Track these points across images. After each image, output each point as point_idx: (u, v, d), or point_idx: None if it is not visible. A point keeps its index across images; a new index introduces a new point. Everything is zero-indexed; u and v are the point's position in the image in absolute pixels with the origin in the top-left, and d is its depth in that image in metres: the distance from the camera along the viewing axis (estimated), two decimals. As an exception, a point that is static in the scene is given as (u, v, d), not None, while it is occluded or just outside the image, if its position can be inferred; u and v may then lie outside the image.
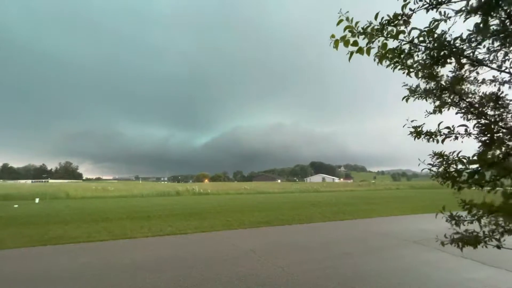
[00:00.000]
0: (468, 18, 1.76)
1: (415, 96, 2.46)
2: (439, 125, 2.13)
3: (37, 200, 18.53)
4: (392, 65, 2.16)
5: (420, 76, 2.20)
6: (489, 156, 1.72)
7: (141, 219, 10.09)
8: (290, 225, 9.29)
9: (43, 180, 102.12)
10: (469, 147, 1.96)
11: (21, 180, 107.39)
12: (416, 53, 2.07)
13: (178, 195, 25.55)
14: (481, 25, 1.73)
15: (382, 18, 1.93)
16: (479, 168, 1.75)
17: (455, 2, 1.77)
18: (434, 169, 2.05)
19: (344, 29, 1.95)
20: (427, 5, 1.83)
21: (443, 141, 2.10)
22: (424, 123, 2.24)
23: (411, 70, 2.16)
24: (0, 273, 4.71)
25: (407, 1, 1.83)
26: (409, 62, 2.15)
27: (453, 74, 2.26)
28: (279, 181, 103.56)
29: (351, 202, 17.34)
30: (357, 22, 1.95)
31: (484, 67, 2.14)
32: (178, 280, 4.32)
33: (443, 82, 2.25)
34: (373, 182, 65.46)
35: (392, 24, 1.93)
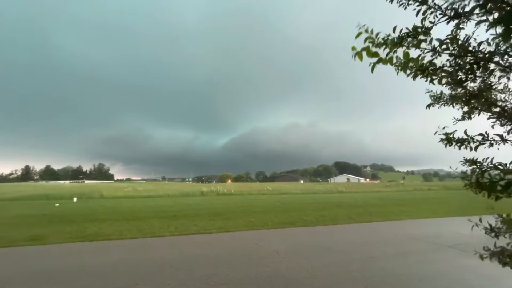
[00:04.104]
0: (489, 29, 1.68)
1: (440, 103, 2.37)
2: (465, 132, 2.05)
3: (75, 199, 20.01)
4: (413, 73, 2.09)
5: (444, 82, 2.11)
6: None
7: (168, 218, 10.49)
8: (314, 227, 9.15)
9: (80, 181, 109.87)
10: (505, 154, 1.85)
11: (61, 180, 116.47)
12: (440, 61, 2.00)
13: (203, 195, 26.20)
14: (505, 34, 1.65)
15: (401, 30, 1.91)
16: None
17: (475, 14, 1.69)
18: (467, 177, 1.96)
19: (365, 40, 1.96)
20: (447, 17, 1.77)
21: (476, 148, 2.01)
22: (456, 130, 2.18)
23: (434, 77, 2.08)
24: (46, 266, 5.16)
25: (426, 15, 1.81)
26: (431, 69, 2.08)
27: (481, 80, 2.13)
28: (302, 181, 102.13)
29: (378, 203, 16.66)
30: (377, 33, 1.95)
31: None
32: (205, 279, 4.45)
33: (471, 88, 2.14)
34: (402, 182, 61.65)
35: (412, 37, 1.91)
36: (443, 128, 2.22)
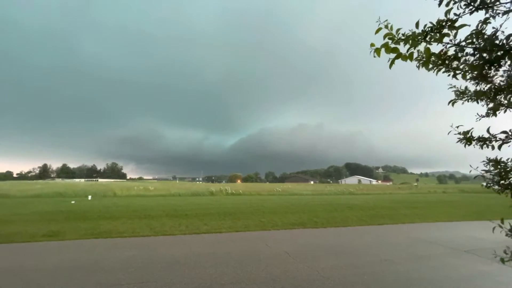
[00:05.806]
0: None
1: (464, 99, 2.25)
2: (488, 130, 1.93)
3: (89, 197, 20.61)
4: (436, 68, 2.01)
5: (468, 78, 2.03)
6: None
7: (179, 217, 10.64)
8: (324, 228, 9.06)
9: (94, 179, 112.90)
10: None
11: (76, 179, 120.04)
12: (463, 56, 1.92)
13: (212, 195, 26.40)
14: None
15: (425, 25, 1.84)
16: None
17: (502, 3, 1.63)
18: (489, 176, 1.87)
19: (384, 37, 1.91)
20: (473, 8, 1.70)
21: (500, 147, 1.90)
22: (472, 128, 2.05)
23: (457, 72, 1.99)
24: (63, 261, 5.34)
25: (451, 7, 1.73)
26: (455, 63, 2.00)
27: (509, 73, 2.01)
28: (312, 182, 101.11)
29: (390, 205, 16.29)
30: (398, 29, 1.89)
31: None
32: (215, 278, 4.49)
33: (497, 82, 2.03)
34: (415, 184, 59.69)
35: (436, 31, 1.83)
36: (457, 127, 2.10)
